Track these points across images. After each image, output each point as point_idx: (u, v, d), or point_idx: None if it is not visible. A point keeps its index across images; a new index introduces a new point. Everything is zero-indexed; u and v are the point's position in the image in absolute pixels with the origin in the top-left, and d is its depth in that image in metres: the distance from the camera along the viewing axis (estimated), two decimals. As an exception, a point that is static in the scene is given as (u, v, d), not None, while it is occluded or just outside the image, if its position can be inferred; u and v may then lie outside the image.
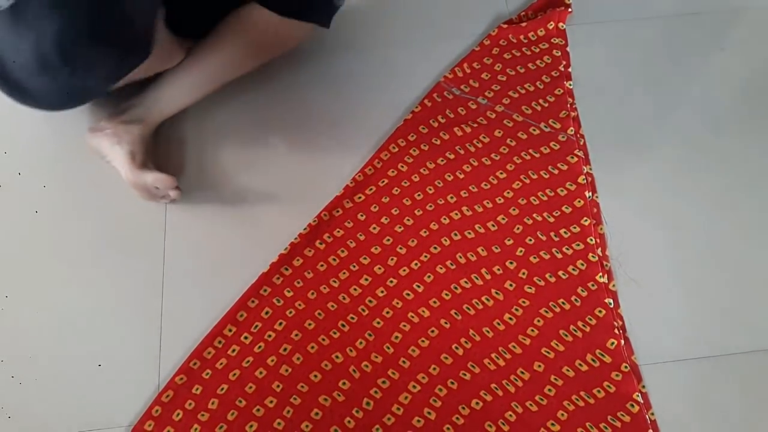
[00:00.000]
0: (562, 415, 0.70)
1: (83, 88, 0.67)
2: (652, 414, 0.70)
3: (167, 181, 0.77)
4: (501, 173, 0.84)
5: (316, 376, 0.72)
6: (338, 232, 0.81)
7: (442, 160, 0.85)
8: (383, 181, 0.84)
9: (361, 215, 0.82)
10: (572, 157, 0.84)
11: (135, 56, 0.65)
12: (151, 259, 0.79)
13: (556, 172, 0.83)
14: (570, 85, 0.90)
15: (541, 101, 0.89)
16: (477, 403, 0.71)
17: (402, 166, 0.85)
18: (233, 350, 0.73)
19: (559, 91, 0.89)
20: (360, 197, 0.83)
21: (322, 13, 0.82)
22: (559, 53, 0.92)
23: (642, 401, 0.70)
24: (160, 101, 0.82)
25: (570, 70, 0.91)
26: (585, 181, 0.82)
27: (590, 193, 0.82)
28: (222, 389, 0.71)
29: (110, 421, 0.70)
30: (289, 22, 0.81)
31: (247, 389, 0.71)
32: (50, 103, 0.70)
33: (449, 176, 0.84)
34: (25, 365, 0.74)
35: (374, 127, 0.88)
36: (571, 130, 0.86)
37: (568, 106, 0.88)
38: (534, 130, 0.87)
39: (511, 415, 0.70)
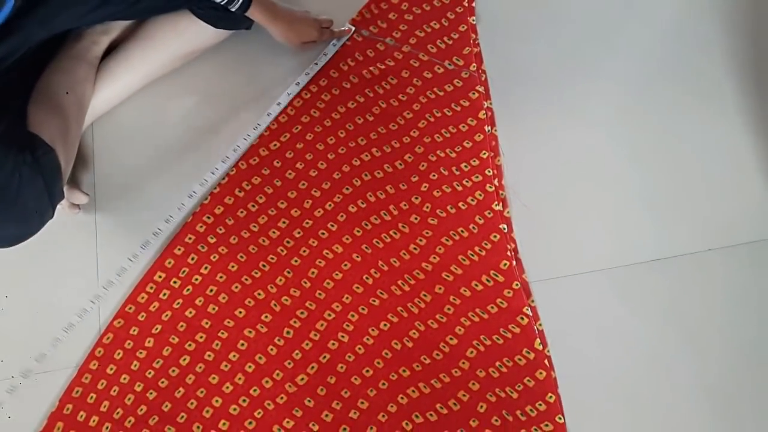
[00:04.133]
0: (460, 330, 0.79)
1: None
2: (540, 325, 0.79)
3: (75, 199, 0.83)
4: (408, 113, 0.89)
5: (240, 312, 0.80)
6: (256, 179, 0.86)
7: (352, 104, 0.89)
8: (297, 128, 0.89)
9: (277, 162, 0.87)
10: (474, 93, 0.88)
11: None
12: (83, 216, 0.85)
13: (458, 108, 0.88)
14: (473, 20, 0.92)
15: (445, 39, 0.92)
16: (385, 325, 0.79)
17: (314, 112, 0.89)
18: (164, 294, 0.81)
19: (463, 27, 0.92)
20: (275, 145, 0.88)
21: (248, 20, 0.86)
22: (464, -12, 0.94)
23: (531, 314, 0.79)
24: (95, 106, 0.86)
25: (474, 5, 0.93)
26: (485, 116, 0.87)
27: (489, 128, 0.87)
28: (156, 329, 0.79)
29: (60, 362, 0.79)
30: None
31: (178, 328, 0.79)
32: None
33: (359, 119, 0.89)
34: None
35: (287, 73, 0.91)
36: (474, 66, 0.90)
37: (471, 42, 0.91)
38: (438, 68, 0.90)
39: (414, 333, 0.79)
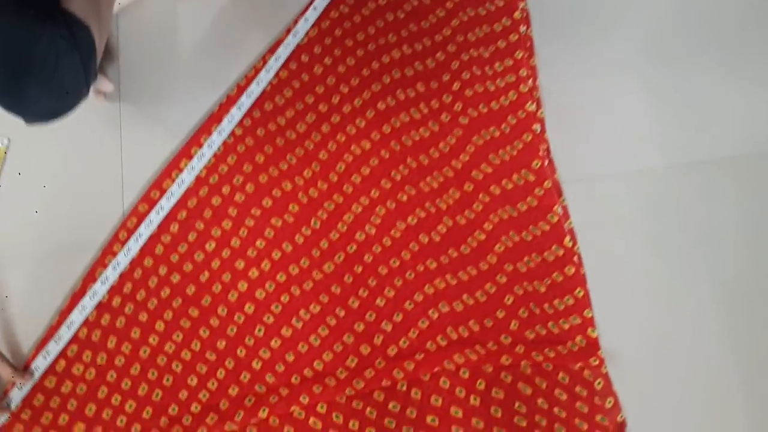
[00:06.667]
0: (488, 226, 0.78)
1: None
2: (570, 223, 0.78)
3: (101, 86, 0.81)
4: (440, 11, 0.85)
5: (267, 202, 0.79)
6: (283, 73, 0.83)
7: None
8: (326, 23, 0.85)
9: (305, 56, 0.85)
10: (509, -7, 0.86)
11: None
12: (108, 104, 0.84)
13: (492, 8, 0.85)
14: None
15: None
16: (412, 220, 0.78)
17: (343, 8, 0.86)
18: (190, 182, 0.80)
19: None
20: (303, 39, 0.86)
21: None
22: None
23: (561, 213, 0.78)
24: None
25: None
26: (520, 16, 0.85)
27: (524, 27, 0.85)
28: (182, 215, 0.78)
29: (84, 245, 0.78)
30: None
31: (204, 214, 0.78)
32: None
33: (390, 15, 0.86)
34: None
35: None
36: (510, -32, 0.87)
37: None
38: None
39: (442, 228, 0.78)
